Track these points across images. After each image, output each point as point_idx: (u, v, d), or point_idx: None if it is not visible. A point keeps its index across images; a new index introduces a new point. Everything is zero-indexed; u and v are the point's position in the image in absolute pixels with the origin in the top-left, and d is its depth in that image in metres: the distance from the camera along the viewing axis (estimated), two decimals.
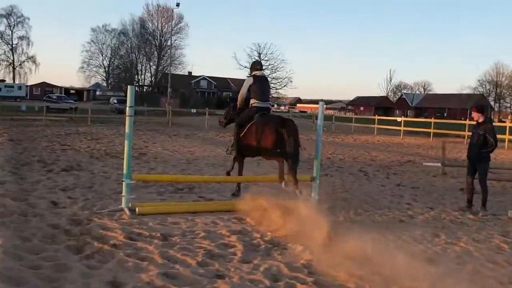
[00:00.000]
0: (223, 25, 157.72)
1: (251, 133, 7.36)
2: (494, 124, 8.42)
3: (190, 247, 5.20)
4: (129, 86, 7.03)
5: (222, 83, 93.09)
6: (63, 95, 64.75)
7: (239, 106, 7.94)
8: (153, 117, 36.04)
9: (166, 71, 72.41)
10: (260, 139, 7.21)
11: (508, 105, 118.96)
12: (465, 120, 32.07)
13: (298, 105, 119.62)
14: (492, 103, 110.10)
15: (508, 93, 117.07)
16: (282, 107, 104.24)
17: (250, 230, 6.10)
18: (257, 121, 7.38)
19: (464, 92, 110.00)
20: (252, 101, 7.63)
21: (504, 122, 51.69)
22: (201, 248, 5.20)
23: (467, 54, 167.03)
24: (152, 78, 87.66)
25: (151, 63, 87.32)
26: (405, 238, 6.13)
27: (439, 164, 13.39)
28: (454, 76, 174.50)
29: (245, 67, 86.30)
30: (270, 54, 69.98)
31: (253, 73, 7.86)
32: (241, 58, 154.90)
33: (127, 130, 6.80)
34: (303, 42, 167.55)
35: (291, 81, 66.75)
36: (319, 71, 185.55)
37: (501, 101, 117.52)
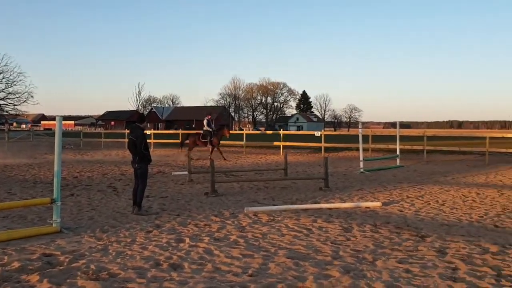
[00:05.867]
0: None
1: None
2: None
3: None
4: None
5: None
6: None
7: None
8: None
9: None
10: None
11: (246, 115, 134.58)
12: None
13: (42, 122, 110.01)
14: (233, 114, 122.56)
15: (245, 105, 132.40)
16: (24, 125, 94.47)
17: None
18: None
19: (209, 104, 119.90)
20: None
21: (243, 130, 58.01)
22: None
23: (209, 69, 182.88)
24: None
25: None
26: (151, 248, 6.18)
27: (186, 172, 14.10)
28: (200, 89, 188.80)
29: None
30: (4, 65, 61.81)
31: None
32: None
33: None
34: (46, 52, 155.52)
35: (32, 96, 60.26)
36: (66, 86, 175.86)
37: (240, 112, 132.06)
